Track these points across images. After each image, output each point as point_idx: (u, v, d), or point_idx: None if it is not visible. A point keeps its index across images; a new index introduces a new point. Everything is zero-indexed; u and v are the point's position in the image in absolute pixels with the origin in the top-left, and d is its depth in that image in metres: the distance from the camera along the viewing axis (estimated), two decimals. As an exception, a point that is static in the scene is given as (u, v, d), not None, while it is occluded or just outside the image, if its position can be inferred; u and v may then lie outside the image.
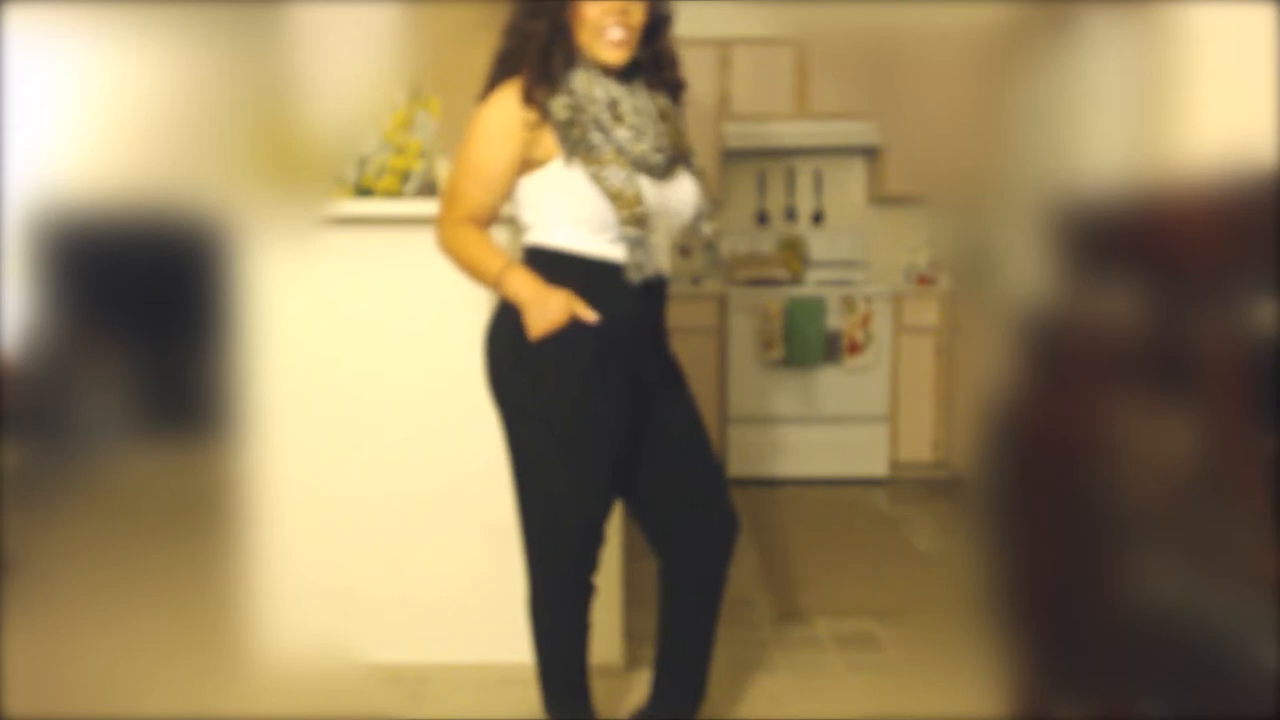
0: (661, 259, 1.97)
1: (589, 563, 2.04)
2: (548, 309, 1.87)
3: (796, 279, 5.11)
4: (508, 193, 1.94)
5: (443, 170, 2.68)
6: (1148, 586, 1.25)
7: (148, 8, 1.78)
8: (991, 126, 1.47)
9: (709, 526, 2.08)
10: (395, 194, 2.65)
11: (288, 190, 2.28)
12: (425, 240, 2.62)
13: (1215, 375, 1.17)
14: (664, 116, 1.97)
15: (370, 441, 2.66)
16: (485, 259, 1.93)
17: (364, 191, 2.65)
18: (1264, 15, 1.12)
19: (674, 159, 1.95)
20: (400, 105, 2.70)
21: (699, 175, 2.03)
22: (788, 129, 4.94)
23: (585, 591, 2.06)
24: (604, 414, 1.94)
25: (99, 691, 1.91)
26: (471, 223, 1.95)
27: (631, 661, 2.70)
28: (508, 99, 1.88)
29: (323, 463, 2.65)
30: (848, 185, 5.35)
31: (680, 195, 1.97)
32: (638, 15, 1.88)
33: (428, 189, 2.75)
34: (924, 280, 4.96)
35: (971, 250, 1.62)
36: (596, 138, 1.86)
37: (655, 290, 1.98)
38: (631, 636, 2.77)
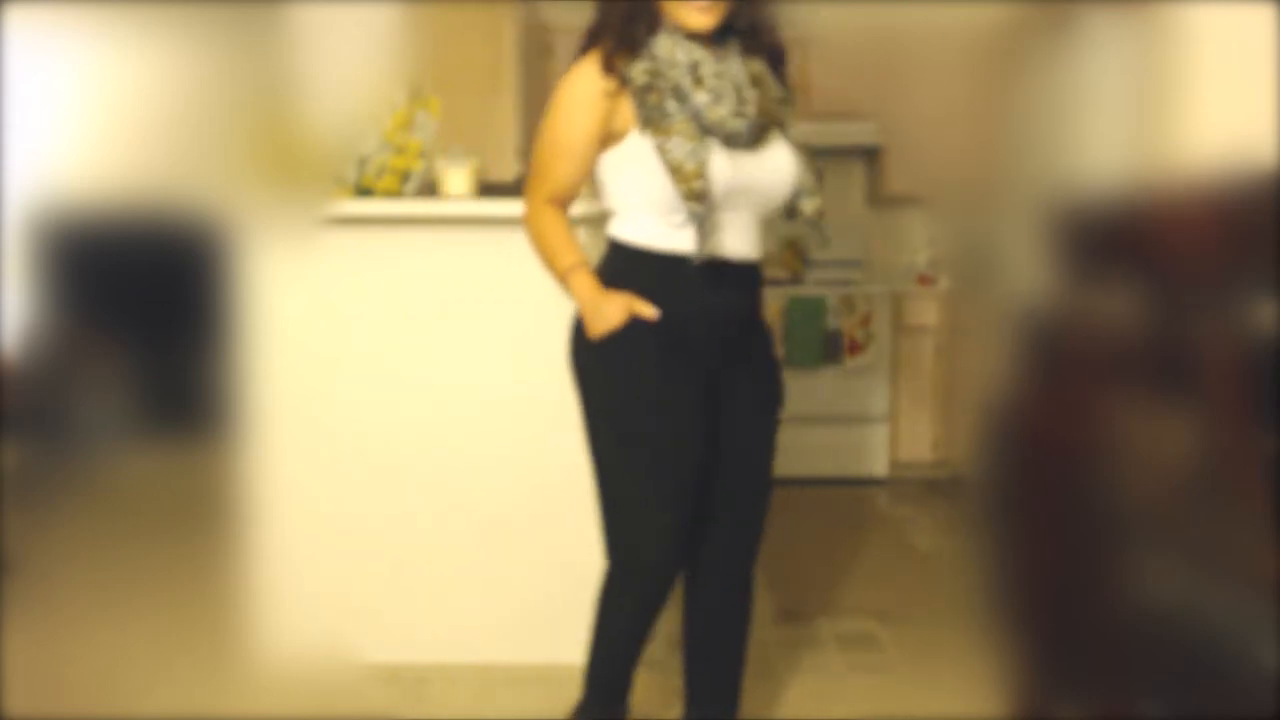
0: (740, 239, 1.87)
1: (662, 562, 1.94)
2: (602, 314, 1.84)
3: (796, 279, 5.11)
4: (590, 166, 1.89)
5: (443, 171, 2.68)
6: (1148, 586, 1.25)
7: (148, 8, 1.78)
8: (992, 127, 1.47)
9: (736, 552, 2.03)
10: (395, 194, 2.65)
11: (288, 190, 2.28)
12: (426, 240, 2.63)
13: (1215, 375, 1.17)
14: (756, 81, 1.86)
15: (370, 441, 2.65)
16: (558, 254, 1.89)
17: (364, 192, 2.65)
18: (1264, 15, 1.12)
19: (763, 126, 1.85)
20: (400, 105, 2.71)
21: (801, 148, 1.91)
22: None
23: (654, 590, 1.96)
24: (669, 417, 1.87)
25: (99, 691, 1.91)
26: (555, 205, 1.91)
27: (631, 661, 2.70)
28: (588, 69, 1.83)
29: (323, 462, 2.65)
30: (848, 185, 5.35)
31: (771, 168, 1.87)
32: None
33: (428, 189, 2.75)
34: (924, 280, 4.95)
35: (972, 250, 1.63)
36: (671, 105, 1.79)
37: (735, 276, 1.89)
38: (631, 636, 2.76)
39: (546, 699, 2.16)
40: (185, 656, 2.07)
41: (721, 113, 1.80)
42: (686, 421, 1.89)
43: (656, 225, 1.85)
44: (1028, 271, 1.40)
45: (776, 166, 1.88)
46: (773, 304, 4.72)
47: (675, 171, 1.77)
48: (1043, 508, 1.40)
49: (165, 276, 1.85)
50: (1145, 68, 1.23)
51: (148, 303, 1.83)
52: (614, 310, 1.83)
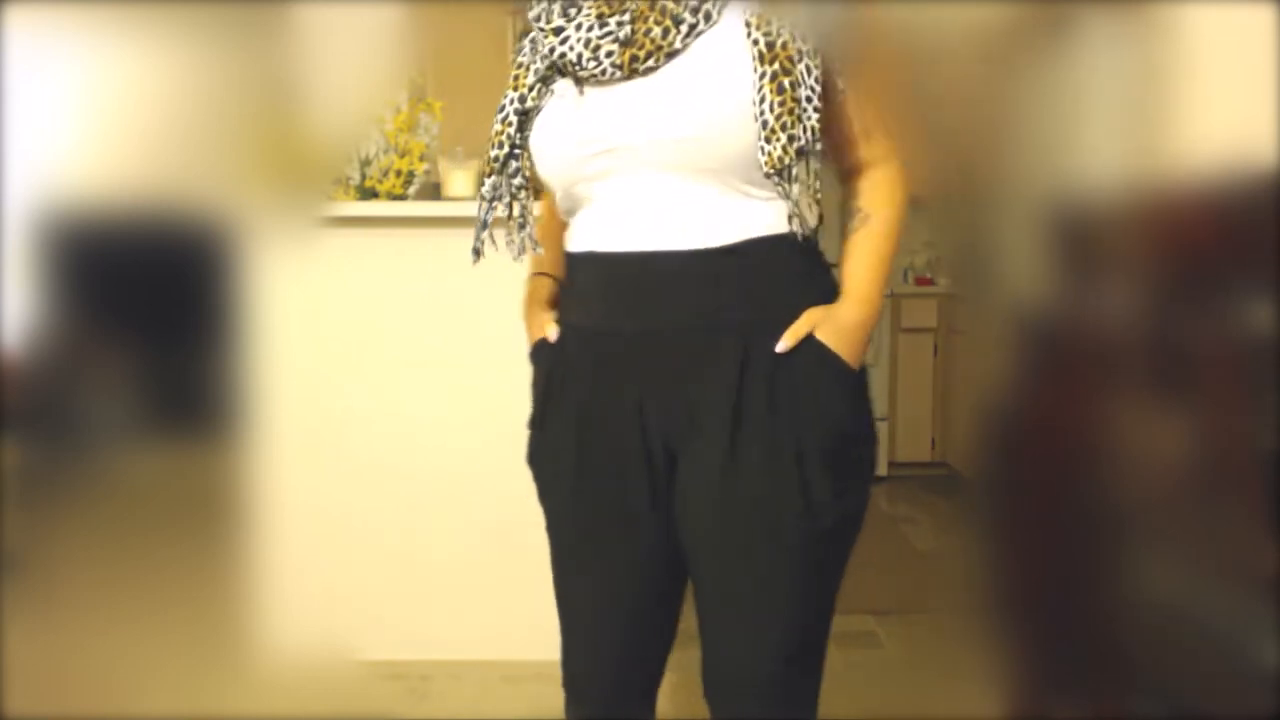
0: (642, 220, 1.22)
1: (588, 702, 1.48)
2: (529, 332, 1.43)
3: (796, 279, 5.11)
4: None
5: (446, 172, 2.69)
6: (1146, 586, 1.26)
7: (150, 8, 1.79)
8: (990, 127, 1.48)
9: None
10: (399, 196, 2.66)
11: (291, 192, 2.28)
12: (429, 242, 2.64)
13: (1213, 375, 1.17)
14: None
15: (373, 441, 2.66)
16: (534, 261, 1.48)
17: (368, 193, 2.66)
18: (1264, 15, 1.13)
19: (641, 45, 1.17)
20: (403, 107, 2.72)
21: (771, 56, 1.21)
22: (787, 130, 4.93)
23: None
24: (556, 478, 1.37)
25: (100, 691, 1.92)
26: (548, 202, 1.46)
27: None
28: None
29: (326, 462, 2.66)
30: (847, 186, 5.35)
31: (665, 101, 1.18)
32: None
33: (431, 190, 2.76)
34: (922, 281, 4.96)
35: (970, 251, 1.63)
36: (526, 49, 1.31)
37: (653, 277, 1.22)
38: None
39: (548, 696, 2.16)
40: (187, 655, 2.07)
41: (567, 37, 1.20)
42: (559, 481, 1.36)
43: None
44: (1025, 272, 1.40)
45: (675, 97, 1.19)
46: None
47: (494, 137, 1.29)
48: (1041, 507, 1.40)
49: (169, 276, 1.86)
50: (1144, 68, 1.24)
51: (151, 302, 1.84)
52: (532, 330, 1.41)
